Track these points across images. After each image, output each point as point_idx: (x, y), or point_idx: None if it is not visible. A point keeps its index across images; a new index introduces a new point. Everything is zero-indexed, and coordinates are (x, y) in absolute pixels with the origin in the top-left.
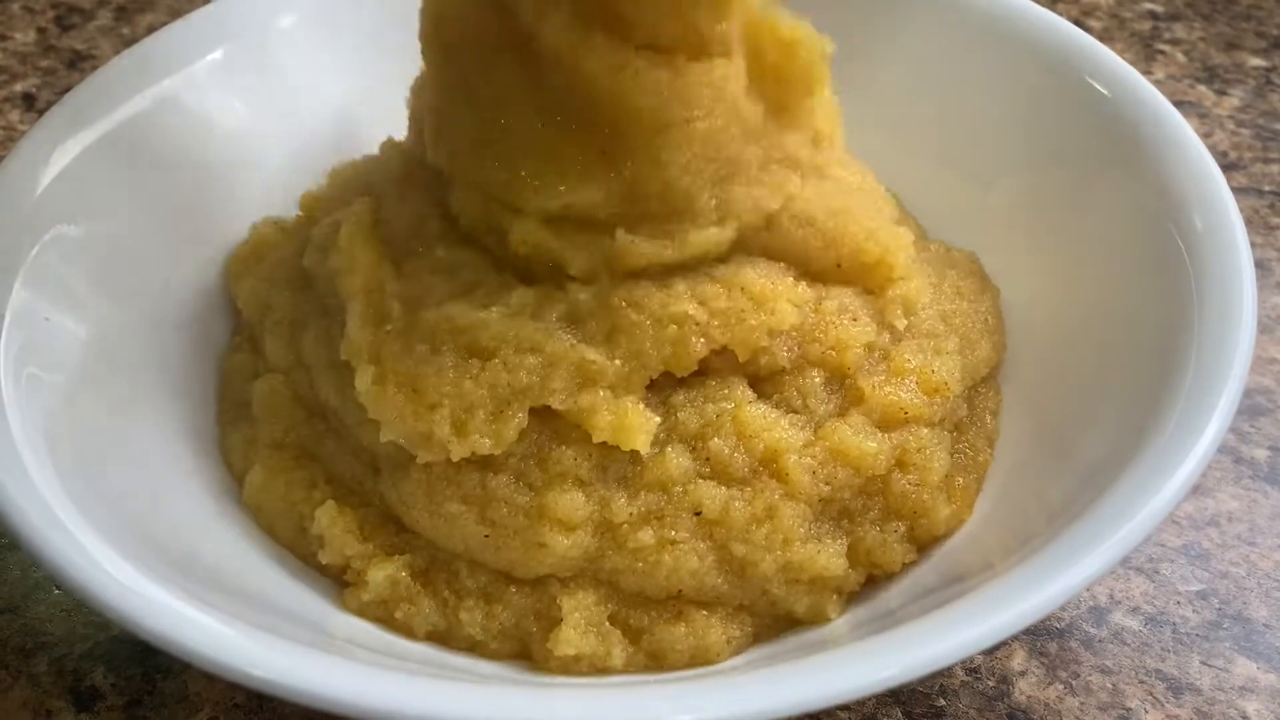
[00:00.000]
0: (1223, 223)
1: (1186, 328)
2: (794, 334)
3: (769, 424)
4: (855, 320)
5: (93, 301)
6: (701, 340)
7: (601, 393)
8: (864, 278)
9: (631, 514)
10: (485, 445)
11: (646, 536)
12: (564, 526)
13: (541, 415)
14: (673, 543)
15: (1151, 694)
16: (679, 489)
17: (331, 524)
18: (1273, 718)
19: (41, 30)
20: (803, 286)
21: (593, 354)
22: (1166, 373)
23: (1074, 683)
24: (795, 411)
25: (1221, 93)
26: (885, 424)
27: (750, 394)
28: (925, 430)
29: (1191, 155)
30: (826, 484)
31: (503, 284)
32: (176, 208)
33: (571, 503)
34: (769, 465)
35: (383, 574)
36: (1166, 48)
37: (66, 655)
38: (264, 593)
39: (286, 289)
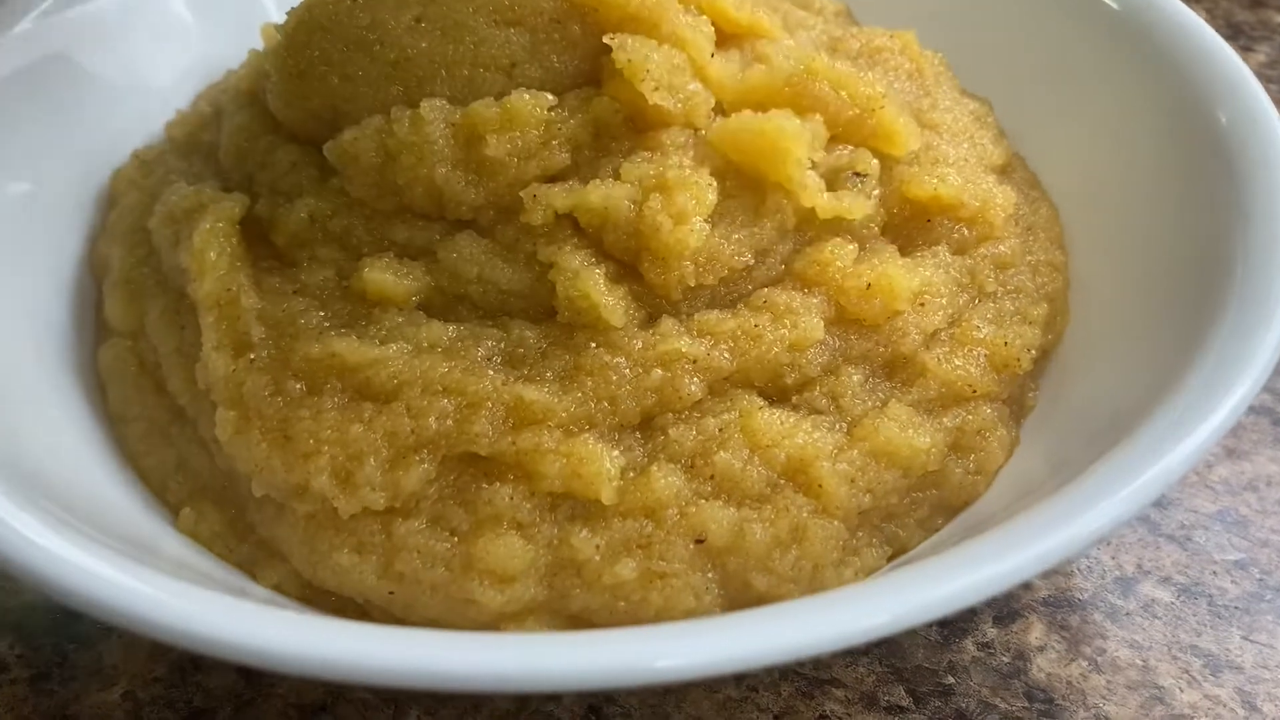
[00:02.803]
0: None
1: (1227, 257)
2: (834, 334)
3: (788, 429)
4: (924, 307)
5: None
6: (697, 380)
7: (547, 434)
8: (953, 236)
9: (599, 545)
10: (378, 500)
11: (626, 570)
12: (497, 578)
13: (465, 454)
14: (662, 576)
15: (1187, 671)
16: (672, 513)
17: (193, 536)
18: None
19: None
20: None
21: (533, 392)
22: (1205, 304)
23: (1099, 659)
24: (819, 412)
25: (1247, 49)
26: (944, 402)
27: (759, 400)
28: (988, 408)
29: (1216, 55)
30: (868, 492)
31: (407, 319)
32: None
33: (506, 549)
34: (794, 478)
35: (270, 582)
36: (1191, 6)
37: None
38: (180, 557)
39: (122, 244)
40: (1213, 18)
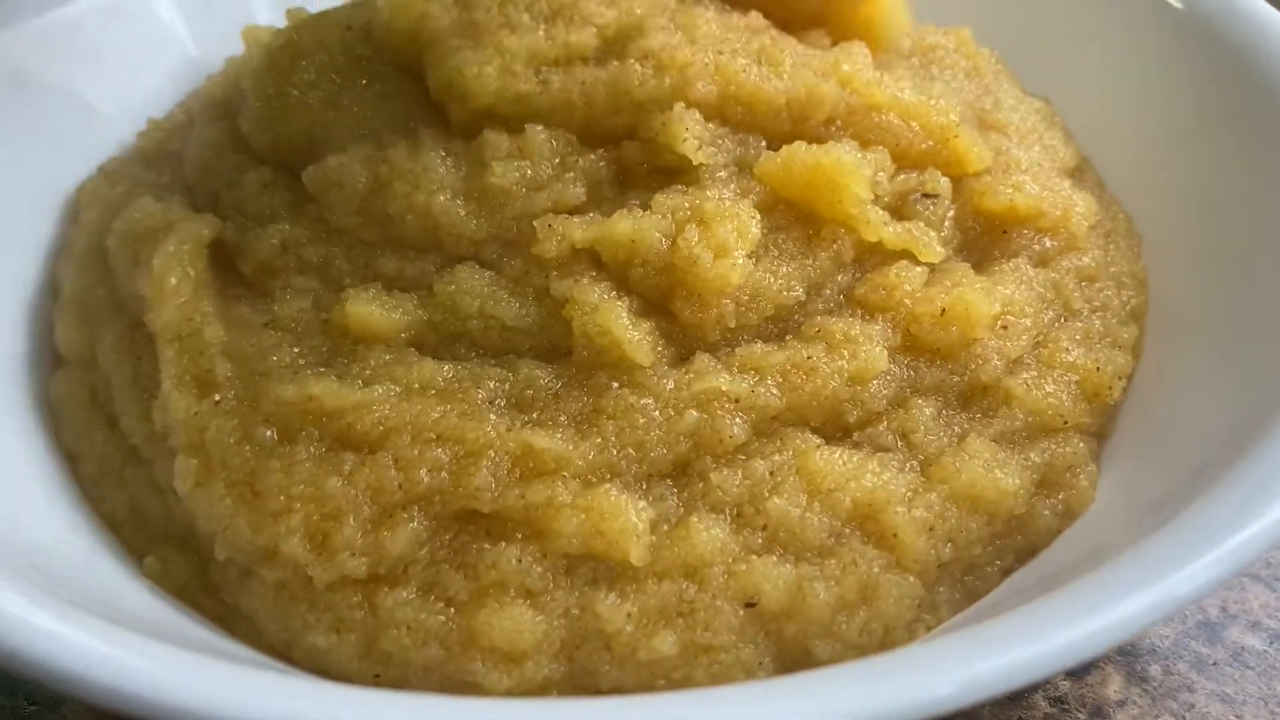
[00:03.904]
0: None
1: None
2: (900, 363)
3: (853, 470)
4: (1006, 330)
5: None
6: (739, 421)
7: (561, 485)
8: (1033, 248)
9: (630, 613)
10: (358, 566)
11: (665, 644)
12: (504, 656)
13: (463, 511)
14: (707, 649)
15: None
16: (718, 571)
17: (159, 585)
18: None
19: None
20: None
21: (544, 439)
22: None
23: (1188, 715)
24: (886, 450)
25: None
26: (1030, 434)
27: (814, 438)
28: (1079, 441)
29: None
30: (949, 542)
31: (395, 357)
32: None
33: (514, 621)
34: (863, 525)
35: (248, 641)
36: None
37: None
38: (146, 612)
39: (77, 264)
40: None
